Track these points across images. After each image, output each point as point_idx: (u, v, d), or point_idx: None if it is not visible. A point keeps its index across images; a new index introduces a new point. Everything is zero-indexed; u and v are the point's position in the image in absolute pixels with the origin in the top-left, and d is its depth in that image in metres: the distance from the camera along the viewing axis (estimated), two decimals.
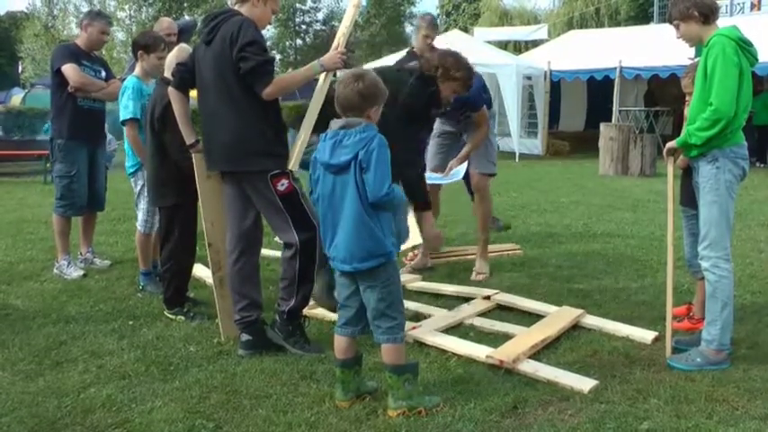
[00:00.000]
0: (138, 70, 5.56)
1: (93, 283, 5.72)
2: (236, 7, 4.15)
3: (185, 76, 4.25)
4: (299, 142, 4.14)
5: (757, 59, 3.98)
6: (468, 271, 5.99)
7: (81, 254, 6.35)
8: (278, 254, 6.58)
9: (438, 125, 5.96)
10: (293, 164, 4.09)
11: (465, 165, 5.80)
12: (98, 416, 3.36)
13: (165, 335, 4.47)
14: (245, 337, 4.18)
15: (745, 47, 3.89)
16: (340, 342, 3.49)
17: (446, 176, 5.80)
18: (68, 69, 5.87)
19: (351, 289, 3.45)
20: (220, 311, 4.43)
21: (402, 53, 7.88)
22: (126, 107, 5.38)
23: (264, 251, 6.66)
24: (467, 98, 5.35)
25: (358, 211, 3.31)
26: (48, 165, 12.05)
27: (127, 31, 40.70)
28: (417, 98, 4.72)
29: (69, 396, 3.56)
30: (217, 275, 4.50)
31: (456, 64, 4.81)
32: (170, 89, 4.33)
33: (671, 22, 4.20)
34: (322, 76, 4.21)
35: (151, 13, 36.63)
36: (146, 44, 5.46)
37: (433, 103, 4.87)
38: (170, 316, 4.85)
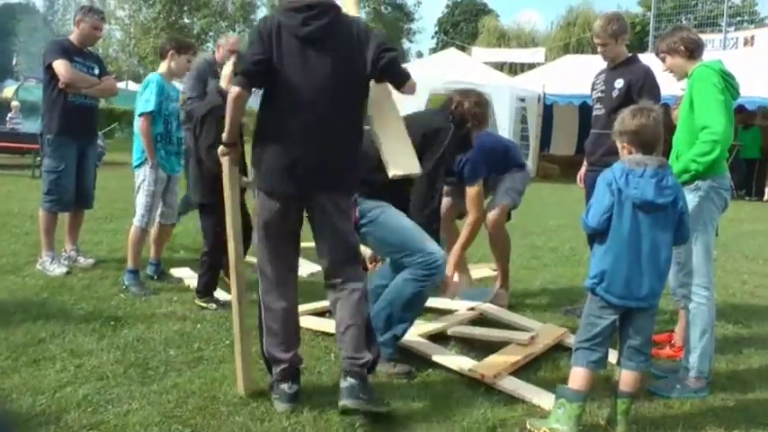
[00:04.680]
0: (163, 68, 5.71)
1: (76, 281, 5.68)
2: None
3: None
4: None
5: (739, 93, 4.07)
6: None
7: (65, 251, 6.31)
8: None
9: None
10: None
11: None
12: (73, 416, 3.32)
13: (145, 337, 4.44)
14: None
15: (727, 79, 3.96)
16: (591, 376, 3.42)
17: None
18: (59, 65, 5.87)
19: (613, 327, 3.44)
20: (241, 361, 3.74)
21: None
22: (148, 101, 5.52)
23: None
24: (462, 167, 5.33)
25: (670, 251, 3.44)
26: (37, 159, 12.03)
27: (125, 30, 40.60)
28: (452, 142, 4.38)
29: (45, 394, 3.52)
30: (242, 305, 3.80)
31: (483, 115, 4.60)
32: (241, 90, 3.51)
33: (657, 55, 4.29)
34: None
35: (151, 15, 36.56)
36: (179, 46, 5.74)
37: (465, 146, 4.62)
38: (201, 304, 5.16)
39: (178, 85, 6.16)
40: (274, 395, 3.56)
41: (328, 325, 4.69)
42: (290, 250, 3.68)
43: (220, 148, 3.70)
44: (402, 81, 3.66)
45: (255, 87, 3.56)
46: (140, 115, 5.53)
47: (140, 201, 5.60)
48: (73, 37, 6.18)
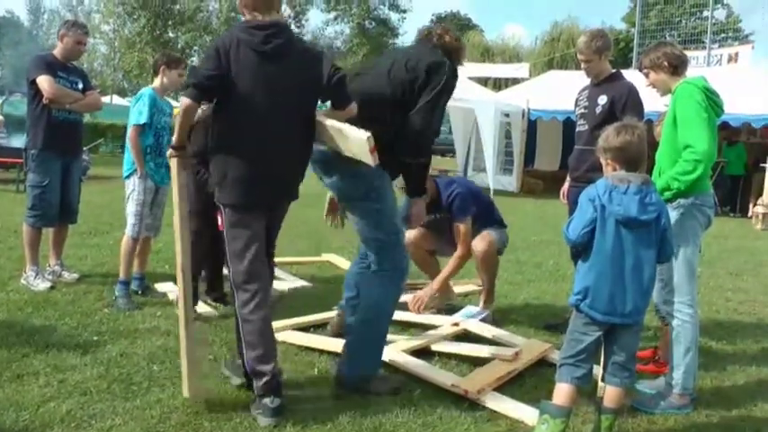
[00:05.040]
0: (156, 83, 5.77)
1: (60, 296, 5.65)
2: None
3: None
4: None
5: (723, 110, 4.09)
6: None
7: (49, 266, 6.28)
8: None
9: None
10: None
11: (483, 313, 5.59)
12: (56, 431, 3.31)
13: (128, 352, 4.43)
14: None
15: (711, 96, 3.99)
16: (575, 392, 3.42)
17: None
18: (43, 81, 5.86)
19: (598, 343, 3.46)
20: (186, 363, 3.78)
21: None
22: (140, 113, 5.58)
23: None
24: (452, 200, 5.46)
25: (654, 268, 3.44)
26: (21, 174, 11.97)
27: (110, 44, 40.53)
28: (449, 80, 4.24)
29: (28, 410, 3.51)
30: (187, 307, 3.86)
31: (463, 52, 4.55)
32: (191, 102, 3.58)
33: (641, 70, 4.32)
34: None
35: (135, 29, 36.50)
36: (169, 61, 5.80)
37: (455, 78, 4.43)
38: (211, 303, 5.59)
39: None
40: (257, 410, 3.55)
41: (312, 340, 4.70)
42: (261, 260, 3.72)
43: (169, 151, 3.80)
44: (345, 102, 3.81)
45: (206, 101, 3.66)
46: (132, 126, 5.58)
47: (130, 210, 5.64)
48: (57, 51, 6.16)
